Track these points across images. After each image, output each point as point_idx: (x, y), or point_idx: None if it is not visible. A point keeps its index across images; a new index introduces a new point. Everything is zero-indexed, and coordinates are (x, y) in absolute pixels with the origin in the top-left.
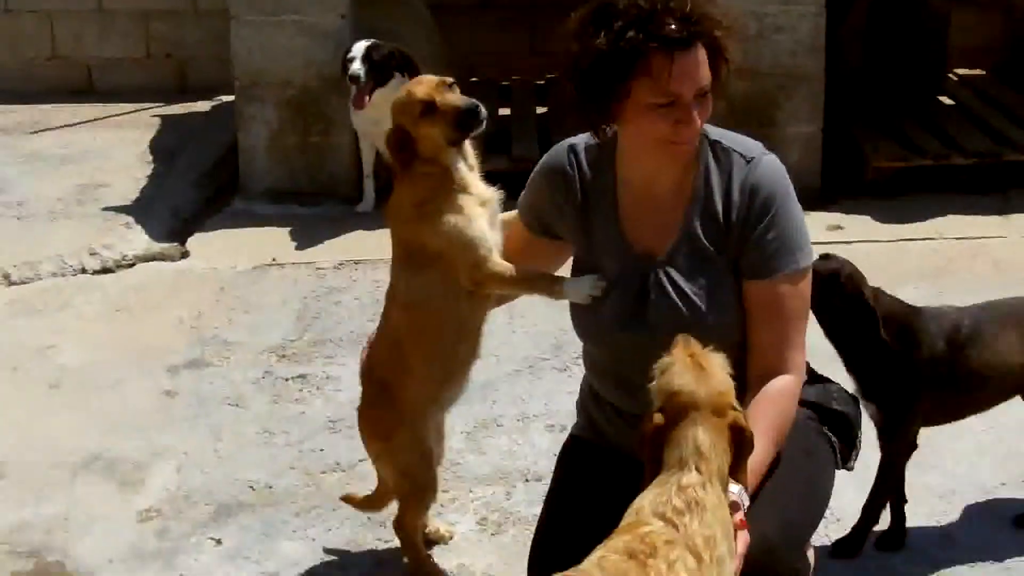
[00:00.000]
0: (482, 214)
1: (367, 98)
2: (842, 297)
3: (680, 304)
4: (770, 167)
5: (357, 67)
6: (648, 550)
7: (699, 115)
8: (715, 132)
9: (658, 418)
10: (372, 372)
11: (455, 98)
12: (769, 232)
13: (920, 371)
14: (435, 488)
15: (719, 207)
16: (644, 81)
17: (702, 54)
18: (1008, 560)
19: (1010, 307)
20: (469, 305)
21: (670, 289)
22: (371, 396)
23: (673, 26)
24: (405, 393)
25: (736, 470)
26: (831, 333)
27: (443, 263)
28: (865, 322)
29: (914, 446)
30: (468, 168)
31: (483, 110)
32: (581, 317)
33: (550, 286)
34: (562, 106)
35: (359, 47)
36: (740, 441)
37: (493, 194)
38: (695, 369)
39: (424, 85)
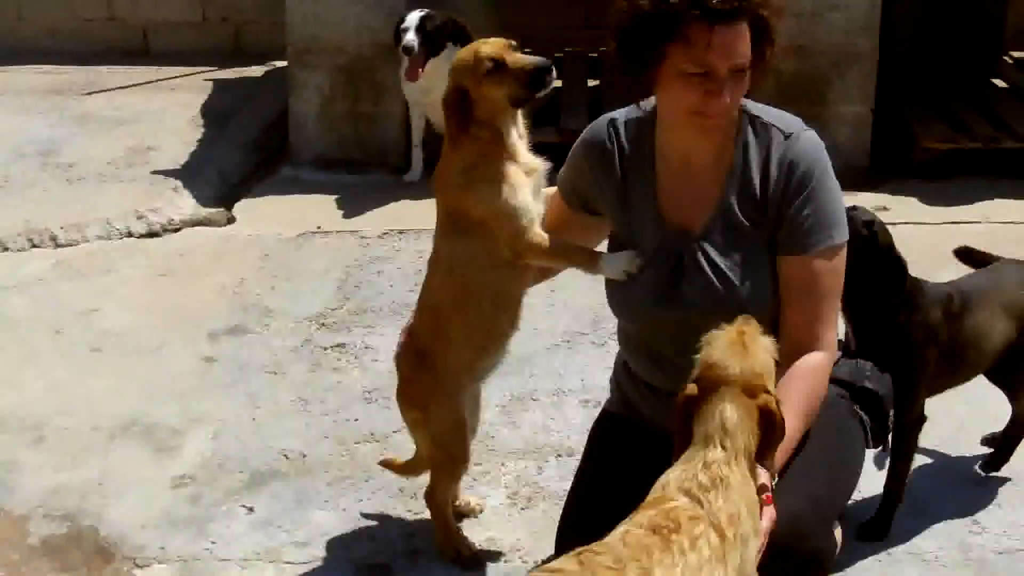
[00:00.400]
0: (527, 184)
1: (420, 70)
2: (875, 250)
3: (715, 280)
4: (809, 143)
5: (411, 38)
6: (672, 525)
7: (734, 91)
8: (755, 108)
9: (691, 388)
10: (412, 340)
11: (523, 57)
12: (806, 208)
13: (927, 336)
14: (467, 459)
15: (757, 182)
16: (680, 47)
17: (744, 30)
18: None
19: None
20: (510, 275)
21: (705, 265)
22: (410, 364)
23: None
24: (443, 362)
25: (764, 455)
26: (852, 291)
27: (485, 231)
28: (893, 276)
29: (924, 418)
30: (518, 136)
31: (554, 69)
32: (616, 293)
33: (588, 260)
34: (613, 78)
35: (413, 17)
36: (769, 424)
37: (540, 165)
38: (737, 346)
39: (491, 45)
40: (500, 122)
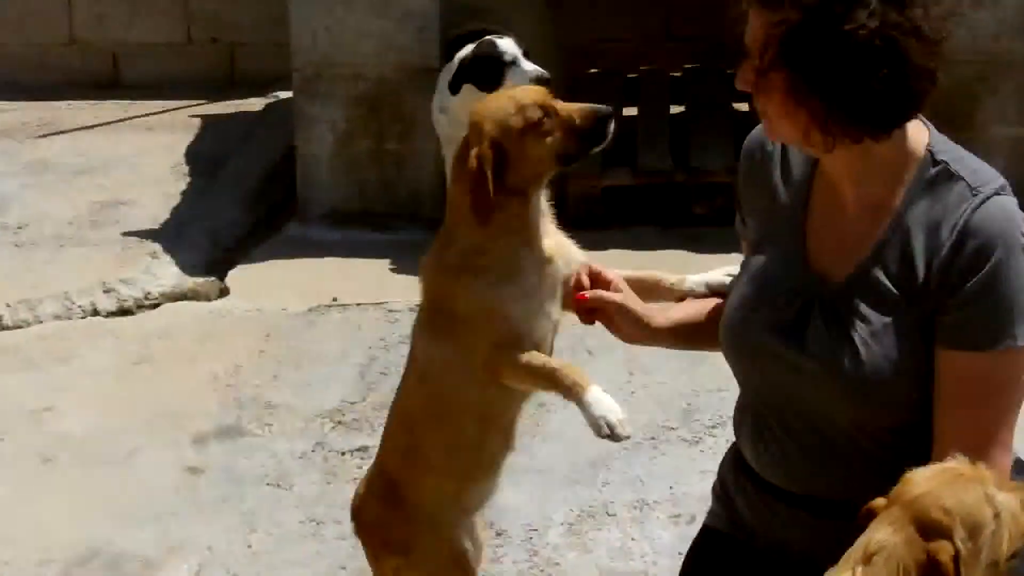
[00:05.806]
0: (538, 280)
1: None
2: None
3: (839, 345)
4: (997, 209)
5: (533, 67)
6: None
7: None
8: (947, 151)
9: (878, 502)
10: (380, 467)
11: (574, 104)
12: (982, 292)
13: None
14: None
15: (921, 244)
16: None
17: None
18: None
19: None
20: (499, 391)
21: (835, 325)
22: (379, 499)
23: None
24: (420, 493)
25: None
26: None
27: (466, 332)
28: None
29: None
30: (542, 210)
31: (613, 119)
32: (730, 314)
33: (572, 388)
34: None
35: (509, 42)
36: None
37: (563, 248)
38: (950, 475)
39: (531, 91)
40: (533, 189)
